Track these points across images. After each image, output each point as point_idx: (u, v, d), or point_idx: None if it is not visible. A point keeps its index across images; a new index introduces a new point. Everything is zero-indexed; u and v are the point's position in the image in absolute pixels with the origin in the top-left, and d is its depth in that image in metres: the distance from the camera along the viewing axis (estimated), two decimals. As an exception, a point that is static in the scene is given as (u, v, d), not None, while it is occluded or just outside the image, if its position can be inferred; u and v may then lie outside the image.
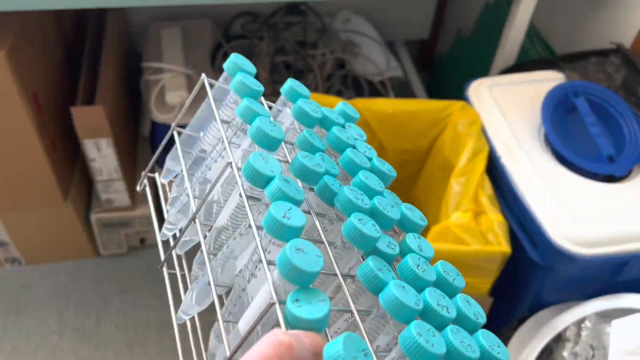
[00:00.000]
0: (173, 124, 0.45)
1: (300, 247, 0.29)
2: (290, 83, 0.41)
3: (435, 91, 1.77)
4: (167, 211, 0.46)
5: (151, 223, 1.41)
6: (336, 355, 0.24)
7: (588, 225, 0.77)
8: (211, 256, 0.36)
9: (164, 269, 0.45)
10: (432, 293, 0.30)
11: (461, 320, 0.31)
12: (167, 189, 0.48)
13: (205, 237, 0.37)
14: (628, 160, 0.86)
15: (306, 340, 0.25)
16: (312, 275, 0.28)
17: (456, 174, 0.89)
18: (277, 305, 0.28)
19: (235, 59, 0.40)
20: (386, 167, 0.39)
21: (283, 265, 0.28)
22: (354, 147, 0.39)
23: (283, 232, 0.30)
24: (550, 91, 0.91)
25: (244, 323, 0.32)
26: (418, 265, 0.31)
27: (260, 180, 0.32)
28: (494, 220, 0.80)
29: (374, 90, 1.44)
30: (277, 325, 0.27)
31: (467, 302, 0.32)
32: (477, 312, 0.32)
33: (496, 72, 1.16)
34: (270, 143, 0.35)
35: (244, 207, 0.33)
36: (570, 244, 0.76)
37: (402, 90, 1.63)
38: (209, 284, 0.35)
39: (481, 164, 0.86)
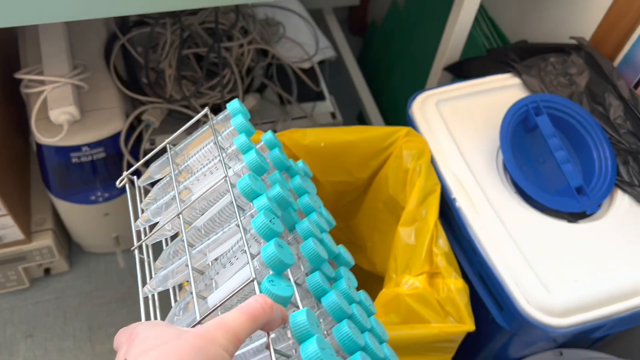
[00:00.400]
0: (167, 141, 0.61)
1: (280, 244, 0.41)
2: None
3: (370, 65, 1.59)
4: (142, 210, 0.59)
5: (54, 255, 1.21)
6: (302, 321, 0.36)
7: (562, 288, 0.66)
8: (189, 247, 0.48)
9: (136, 252, 0.56)
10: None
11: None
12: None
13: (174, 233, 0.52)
14: (599, 192, 0.74)
15: (277, 307, 0.36)
16: (287, 265, 0.40)
17: (405, 221, 0.74)
18: (255, 282, 0.39)
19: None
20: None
21: (268, 254, 0.40)
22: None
23: (269, 234, 0.42)
24: (509, 111, 0.77)
25: (216, 298, 0.42)
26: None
27: (251, 195, 0.46)
28: (453, 286, 0.67)
29: (302, 83, 1.25)
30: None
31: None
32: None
33: (441, 65, 1.00)
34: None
35: (227, 211, 0.48)
36: (542, 315, 0.64)
37: (336, 70, 1.44)
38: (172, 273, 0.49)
39: (433, 210, 0.72)
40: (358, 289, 0.52)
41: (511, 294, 0.66)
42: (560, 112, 0.79)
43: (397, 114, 1.44)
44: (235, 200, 0.47)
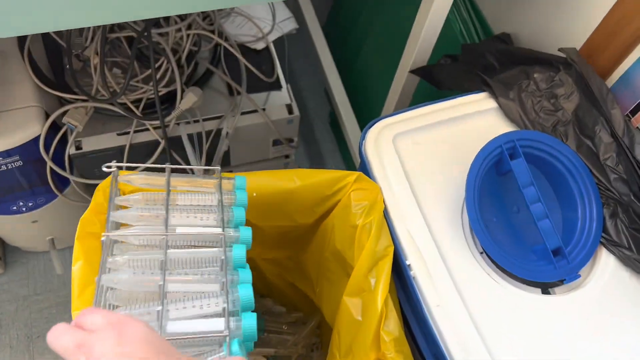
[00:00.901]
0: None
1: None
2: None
3: (338, 33, 1.40)
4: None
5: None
6: None
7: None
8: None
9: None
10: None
11: None
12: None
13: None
14: (580, 254, 0.63)
15: None
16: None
17: (351, 290, 0.63)
18: (227, 338, 0.48)
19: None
20: None
21: (249, 326, 0.50)
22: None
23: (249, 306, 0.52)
24: (479, 155, 0.64)
25: (178, 328, 0.48)
26: None
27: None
28: (402, 382, 0.57)
29: (257, 62, 1.09)
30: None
31: None
32: None
33: (409, 65, 0.85)
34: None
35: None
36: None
37: (297, 45, 1.27)
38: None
39: (384, 280, 0.60)
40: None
41: (469, 392, 0.56)
42: (542, 152, 0.66)
43: (366, 92, 1.28)
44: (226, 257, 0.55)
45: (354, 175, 0.65)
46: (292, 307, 0.99)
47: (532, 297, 0.61)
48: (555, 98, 0.71)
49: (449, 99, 0.72)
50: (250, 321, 0.49)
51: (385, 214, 0.64)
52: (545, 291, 0.63)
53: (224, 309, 0.50)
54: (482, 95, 0.73)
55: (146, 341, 0.35)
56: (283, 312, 1.01)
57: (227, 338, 0.48)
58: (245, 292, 0.51)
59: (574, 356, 0.58)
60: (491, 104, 0.72)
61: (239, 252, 0.55)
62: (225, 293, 0.51)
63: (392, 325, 0.59)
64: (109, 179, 0.61)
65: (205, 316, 0.49)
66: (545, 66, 0.73)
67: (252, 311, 0.51)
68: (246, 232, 0.57)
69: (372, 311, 0.60)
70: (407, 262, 0.62)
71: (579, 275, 0.63)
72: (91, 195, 0.63)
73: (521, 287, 0.62)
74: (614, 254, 0.64)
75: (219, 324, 0.49)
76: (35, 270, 1.23)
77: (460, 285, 0.61)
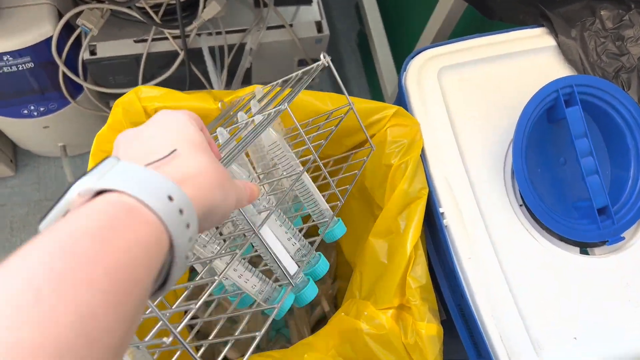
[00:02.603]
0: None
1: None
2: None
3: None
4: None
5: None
6: None
7: (555, 349, 0.53)
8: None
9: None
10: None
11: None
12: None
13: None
14: (626, 216, 0.59)
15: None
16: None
17: (378, 230, 0.60)
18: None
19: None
20: None
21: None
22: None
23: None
24: (533, 98, 0.58)
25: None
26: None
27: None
28: (424, 332, 0.54)
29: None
30: None
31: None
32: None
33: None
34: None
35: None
36: (527, 382, 0.53)
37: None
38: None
39: (415, 224, 0.57)
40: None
41: (493, 349, 0.54)
42: (601, 101, 0.60)
43: (402, 14, 1.19)
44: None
45: (392, 109, 0.60)
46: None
47: (570, 256, 0.58)
48: (621, 40, 0.63)
49: (503, 32, 0.65)
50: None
51: (422, 155, 0.59)
52: (584, 251, 0.59)
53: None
54: (540, 31, 0.66)
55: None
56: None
57: (290, 286, 0.46)
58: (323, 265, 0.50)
59: (606, 321, 0.55)
60: (549, 41, 0.65)
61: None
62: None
63: (420, 272, 0.56)
64: (129, 93, 0.56)
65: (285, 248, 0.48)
66: (614, 2, 0.65)
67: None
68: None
69: (400, 255, 0.56)
70: (441, 210, 0.58)
71: (623, 238, 0.59)
72: (105, 103, 0.58)
73: (559, 244, 0.58)
74: (663, 218, 0.59)
75: (292, 267, 0.47)
76: (47, 176, 1.20)
77: (494, 238, 0.57)
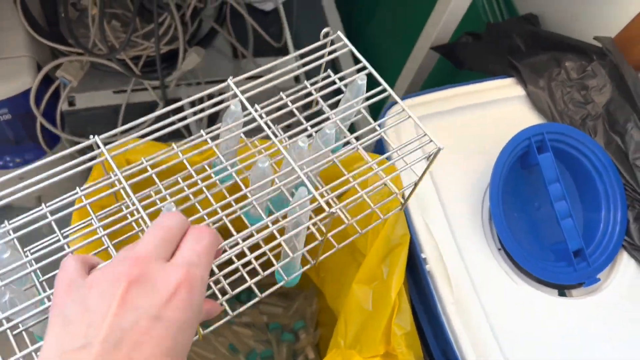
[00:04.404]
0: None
1: None
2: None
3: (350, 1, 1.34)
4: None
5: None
6: None
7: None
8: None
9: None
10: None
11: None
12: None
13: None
14: (601, 257, 0.61)
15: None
16: None
17: (362, 278, 0.60)
18: None
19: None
20: None
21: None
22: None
23: None
24: (507, 146, 0.60)
25: None
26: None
27: None
28: (410, 380, 0.55)
29: (265, 24, 1.04)
30: None
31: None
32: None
33: (430, 41, 0.80)
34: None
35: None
36: None
37: (306, 9, 1.21)
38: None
39: (398, 271, 0.57)
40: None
41: (479, 394, 0.54)
42: (570, 148, 0.63)
43: (375, 66, 1.23)
44: None
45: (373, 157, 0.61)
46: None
47: (549, 298, 0.59)
48: (586, 90, 0.67)
49: (476, 82, 0.68)
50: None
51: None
52: (562, 293, 0.61)
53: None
54: (509, 81, 0.69)
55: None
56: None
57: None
58: None
59: (588, 362, 0.57)
60: (518, 91, 0.68)
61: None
62: None
63: (405, 319, 0.56)
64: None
65: None
66: (577, 54, 0.69)
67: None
68: None
69: (385, 302, 0.57)
70: (423, 256, 0.59)
71: (599, 279, 0.60)
72: (82, 153, 0.58)
73: (538, 287, 0.60)
74: (635, 258, 0.61)
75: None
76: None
77: (476, 282, 0.58)
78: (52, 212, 0.43)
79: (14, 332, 0.38)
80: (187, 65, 0.93)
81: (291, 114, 0.50)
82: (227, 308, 0.43)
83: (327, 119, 0.50)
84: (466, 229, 0.61)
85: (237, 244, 0.40)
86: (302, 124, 0.50)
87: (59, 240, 0.42)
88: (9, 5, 0.89)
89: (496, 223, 0.58)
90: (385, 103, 0.62)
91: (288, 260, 0.47)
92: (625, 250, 0.62)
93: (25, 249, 0.44)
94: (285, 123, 0.52)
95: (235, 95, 0.46)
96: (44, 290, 0.40)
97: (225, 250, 0.39)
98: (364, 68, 0.49)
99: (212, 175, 0.49)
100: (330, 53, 0.51)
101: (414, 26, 0.87)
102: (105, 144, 0.44)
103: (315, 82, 0.51)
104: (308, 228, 0.45)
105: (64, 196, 0.44)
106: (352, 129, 0.53)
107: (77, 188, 0.46)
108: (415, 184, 0.51)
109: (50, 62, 0.88)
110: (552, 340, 0.57)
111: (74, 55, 0.90)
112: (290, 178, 0.45)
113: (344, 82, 0.51)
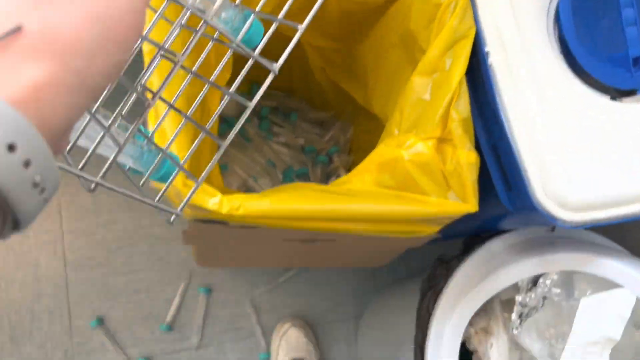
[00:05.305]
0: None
1: None
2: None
3: None
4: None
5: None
6: None
7: (585, 181, 0.57)
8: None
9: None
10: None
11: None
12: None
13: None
14: (658, 67, 0.62)
15: None
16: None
17: (422, 69, 0.61)
18: None
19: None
20: None
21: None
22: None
23: None
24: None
25: None
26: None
27: None
28: (464, 160, 0.58)
29: None
30: None
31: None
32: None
33: None
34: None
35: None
36: (556, 207, 0.57)
37: None
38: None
39: (461, 62, 0.59)
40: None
41: (528, 178, 0.57)
42: (646, -46, 0.61)
43: None
44: None
45: (444, -52, 0.60)
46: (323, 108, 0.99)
47: (603, 101, 0.61)
48: None
49: None
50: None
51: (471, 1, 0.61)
52: (614, 98, 0.62)
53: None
54: None
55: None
56: (312, 110, 1.01)
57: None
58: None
59: (635, 167, 0.59)
60: None
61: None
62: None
63: (463, 106, 0.59)
64: None
65: None
66: None
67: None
68: None
69: (444, 89, 0.59)
70: (487, 49, 0.60)
71: (655, 85, 0.62)
72: None
73: (594, 90, 0.61)
74: (691, 73, 0.62)
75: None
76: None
77: (536, 79, 0.59)
78: None
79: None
80: None
81: None
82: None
83: None
84: (530, 28, 0.61)
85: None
86: None
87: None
88: None
89: (563, 20, 0.59)
90: None
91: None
92: (683, 64, 0.63)
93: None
94: None
95: None
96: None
97: None
98: None
99: None
100: None
101: None
102: None
103: None
104: None
105: None
106: None
107: None
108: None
109: None
110: (601, 142, 0.59)
111: None
112: None
113: None
